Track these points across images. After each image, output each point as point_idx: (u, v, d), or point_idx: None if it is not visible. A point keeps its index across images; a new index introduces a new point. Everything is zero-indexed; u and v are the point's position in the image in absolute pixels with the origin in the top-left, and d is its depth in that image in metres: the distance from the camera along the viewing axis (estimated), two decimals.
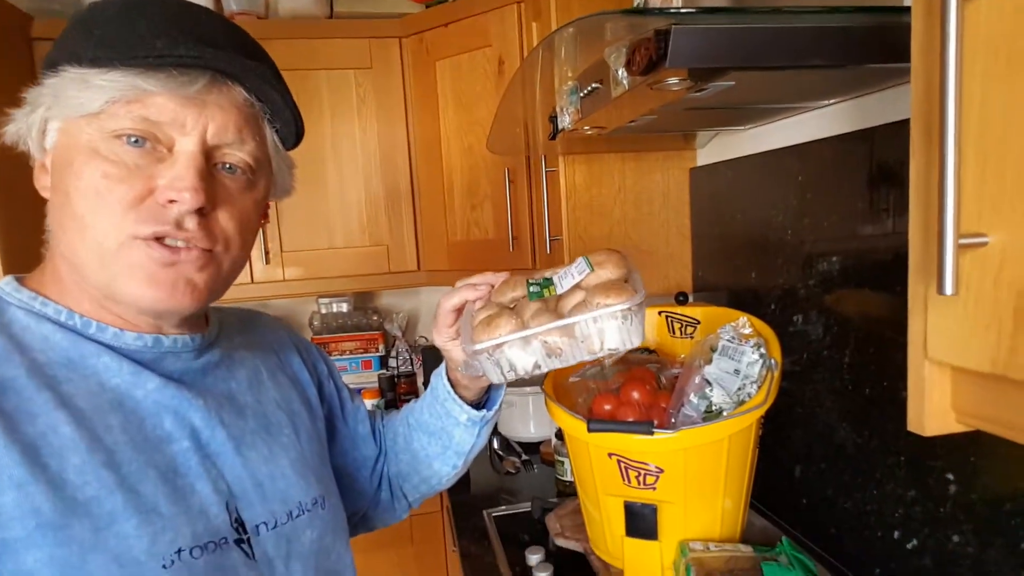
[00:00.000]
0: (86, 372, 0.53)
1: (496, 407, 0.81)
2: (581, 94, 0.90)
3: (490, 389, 0.81)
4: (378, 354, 2.12)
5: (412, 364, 2.12)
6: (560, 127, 1.02)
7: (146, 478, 0.51)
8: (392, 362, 2.13)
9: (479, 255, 1.79)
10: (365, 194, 1.87)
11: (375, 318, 2.16)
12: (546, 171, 1.42)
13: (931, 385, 0.44)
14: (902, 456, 0.87)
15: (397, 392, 2.08)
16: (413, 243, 1.91)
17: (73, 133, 0.52)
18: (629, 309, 0.63)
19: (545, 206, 1.43)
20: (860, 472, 0.95)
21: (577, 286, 0.68)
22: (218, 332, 0.64)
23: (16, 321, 0.53)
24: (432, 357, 2.05)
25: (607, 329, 0.63)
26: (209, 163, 0.54)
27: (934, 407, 0.44)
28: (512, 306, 0.70)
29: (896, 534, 0.89)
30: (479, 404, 0.80)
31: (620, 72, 0.73)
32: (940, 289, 0.37)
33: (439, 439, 0.81)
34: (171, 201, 0.51)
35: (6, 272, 1.51)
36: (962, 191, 0.38)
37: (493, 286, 0.74)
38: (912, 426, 0.45)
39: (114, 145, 0.51)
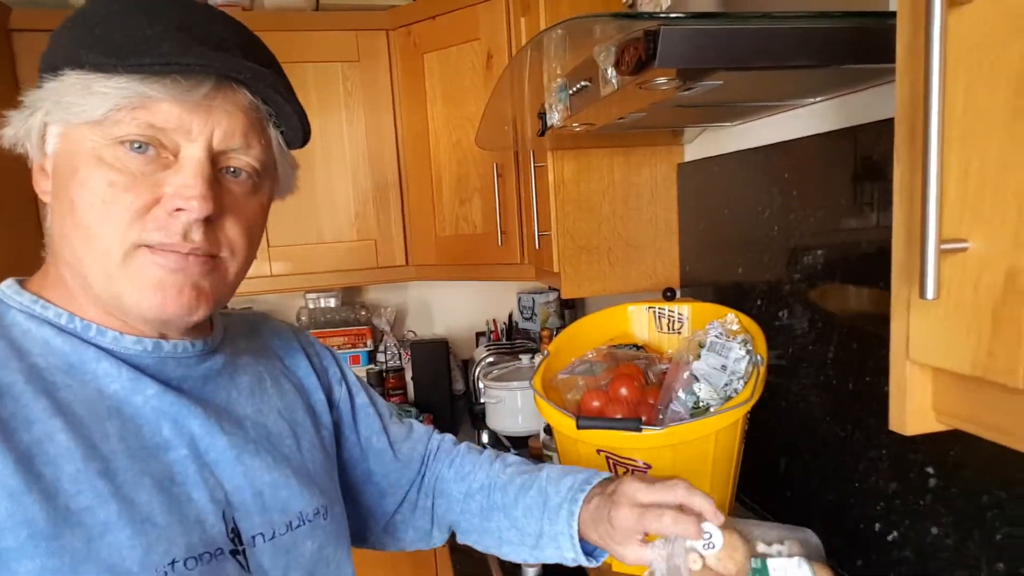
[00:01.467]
0: (85, 377, 0.52)
1: (606, 556, 0.70)
2: (570, 92, 0.90)
3: None
4: (366, 349, 2.12)
5: (400, 359, 2.12)
6: (549, 124, 1.02)
7: (141, 487, 0.51)
8: (380, 357, 2.13)
9: (467, 249, 1.79)
10: (353, 188, 1.86)
11: (363, 313, 2.15)
12: (535, 166, 1.42)
13: (912, 386, 0.45)
14: (884, 450, 0.89)
15: (386, 387, 2.08)
16: (401, 238, 1.90)
17: (75, 139, 0.51)
18: None
19: (534, 201, 1.43)
20: (843, 465, 0.97)
21: None
22: (222, 338, 0.63)
23: (16, 325, 0.52)
24: (420, 352, 2.05)
25: None
26: (215, 168, 0.53)
27: (915, 407, 0.45)
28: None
29: (877, 526, 0.91)
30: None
31: (609, 71, 0.73)
32: (922, 293, 0.38)
33: (524, 539, 0.73)
34: (178, 209, 0.51)
35: (1, 275, 1.49)
36: (944, 197, 0.39)
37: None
38: (894, 425, 0.46)
39: (118, 152, 0.50)
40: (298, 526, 0.61)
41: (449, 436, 0.85)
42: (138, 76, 0.49)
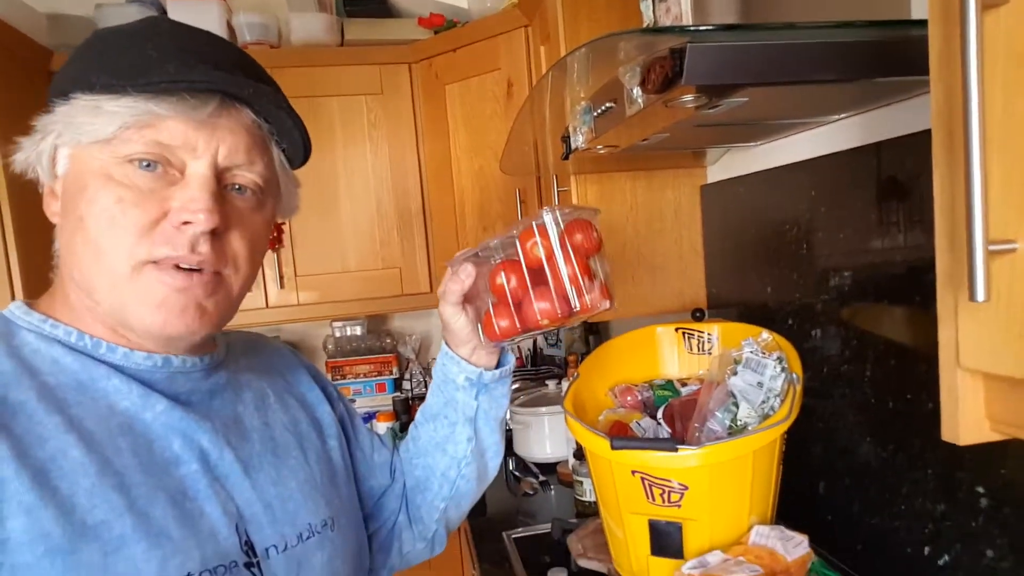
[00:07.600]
0: (95, 395, 0.53)
1: (501, 371, 0.78)
2: (595, 113, 0.91)
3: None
4: (392, 376, 2.12)
5: (426, 386, 2.12)
6: (573, 147, 1.03)
7: (156, 501, 0.51)
8: (406, 384, 2.13)
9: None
10: (377, 217, 1.89)
11: (388, 341, 2.16)
12: (558, 191, 1.43)
13: (964, 393, 0.43)
14: (929, 470, 0.86)
15: (412, 414, 2.07)
16: (425, 265, 1.92)
17: (85, 159, 0.53)
18: None
19: None
20: (886, 487, 0.94)
21: None
22: (225, 354, 0.65)
23: (26, 344, 0.53)
24: None
25: None
26: (220, 185, 0.55)
27: (968, 416, 0.44)
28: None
29: (927, 550, 0.87)
30: None
31: (635, 91, 0.74)
32: (972, 296, 0.37)
33: (445, 418, 0.77)
34: (185, 223, 0.52)
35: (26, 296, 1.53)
36: (988, 199, 0.39)
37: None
38: (946, 436, 0.45)
39: (127, 169, 0.51)
40: (308, 537, 0.61)
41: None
42: (146, 95, 0.50)
